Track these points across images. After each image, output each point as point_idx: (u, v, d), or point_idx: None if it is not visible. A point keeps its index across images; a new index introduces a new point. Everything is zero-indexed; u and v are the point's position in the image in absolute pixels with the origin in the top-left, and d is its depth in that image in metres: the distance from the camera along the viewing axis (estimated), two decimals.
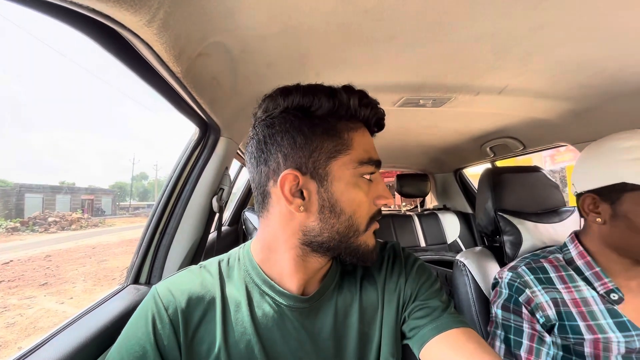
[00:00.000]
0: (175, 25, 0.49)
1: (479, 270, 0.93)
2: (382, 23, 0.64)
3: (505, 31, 0.66)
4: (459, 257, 0.99)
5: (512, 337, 0.70)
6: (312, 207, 0.46)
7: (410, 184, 2.55)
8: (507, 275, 0.77)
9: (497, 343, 0.72)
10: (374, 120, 0.50)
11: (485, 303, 0.88)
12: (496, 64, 0.82)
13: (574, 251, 0.76)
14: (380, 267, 0.56)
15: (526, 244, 0.95)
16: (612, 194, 0.67)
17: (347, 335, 0.51)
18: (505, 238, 0.98)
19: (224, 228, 1.90)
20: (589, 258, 0.72)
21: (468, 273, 0.93)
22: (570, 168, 6.78)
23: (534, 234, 0.96)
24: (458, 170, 2.41)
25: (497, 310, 0.76)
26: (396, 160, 2.62)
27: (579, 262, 0.73)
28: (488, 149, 1.72)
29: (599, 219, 0.69)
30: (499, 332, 0.73)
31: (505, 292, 0.76)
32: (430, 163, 2.51)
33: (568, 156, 6.74)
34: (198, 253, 1.03)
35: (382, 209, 0.53)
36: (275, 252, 0.50)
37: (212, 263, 0.55)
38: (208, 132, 1.02)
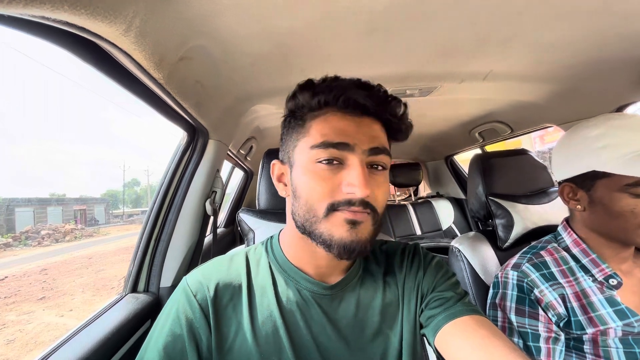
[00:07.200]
0: (153, 32, 0.48)
1: (473, 254, 0.94)
2: (362, 16, 0.64)
3: (484, 18, 0.67)
4: (453, 243, 1.01)
5: (531, 344, 0.67)
6: (290, 192, 0.52)
7: (403, 173, 2.57)
8: (512, 275, 0.74)
9: None
10: (341, 100, 0.47)
11: (481, 287, 0.90)
12: (479, 51, 0.83)
13: (568, 239, 0.76)
14: (402, 265, 0.58)
15: (518, 226, 0.97)
16: (585, 182, 0.69)
17: (368, 326, 0.52)
18: (498, 221, 0.99)
19: (219, 230, 1.90)
20: (584, 245, 0.72)
21: (463, 258, 0.95)
22: None
23: (525, 215, 0.98)
24: (449, 157, 2.43)
25: (510, 316, 0.71)
26: None
27: (575, 250, 0.73)
28: (477, 134, 1.74)
29: (579, 206, 0.71)
30: (515, 339, 0.69)
31: (514, 294, 0.72)
32: (421, 151, 2.53)
33: (557, 136, 6.84)
34: (195, 257, 1.03)
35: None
36: (293, 238, 0.54)
37: (240, 252, 0.59)
38: (196, 135, 1.01)
